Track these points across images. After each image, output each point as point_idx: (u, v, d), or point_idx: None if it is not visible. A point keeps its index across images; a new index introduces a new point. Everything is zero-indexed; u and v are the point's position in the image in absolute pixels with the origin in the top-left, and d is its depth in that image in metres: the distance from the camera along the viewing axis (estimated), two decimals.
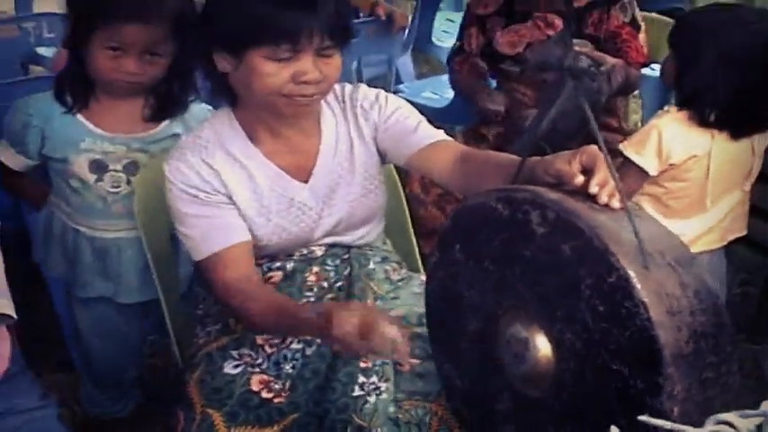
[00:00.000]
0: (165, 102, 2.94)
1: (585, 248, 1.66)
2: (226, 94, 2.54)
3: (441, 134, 2.55)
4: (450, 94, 4.64)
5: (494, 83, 4.20)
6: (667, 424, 0.96)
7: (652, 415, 1.57)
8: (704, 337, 1.59)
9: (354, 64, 4.88)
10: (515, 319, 1.87)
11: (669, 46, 3.21)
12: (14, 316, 2.28)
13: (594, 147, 1.82)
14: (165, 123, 2.97)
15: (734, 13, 3.18)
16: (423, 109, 4.73)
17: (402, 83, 5.29)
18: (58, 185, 3.05)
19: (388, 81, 5.00)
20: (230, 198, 2.51)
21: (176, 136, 2.80)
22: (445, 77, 4.55)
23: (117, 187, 2.97)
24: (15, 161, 3.03)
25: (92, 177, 2.95)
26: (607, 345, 1.64)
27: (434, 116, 4.73)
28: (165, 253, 2.88)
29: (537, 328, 1.81)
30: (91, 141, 2.92)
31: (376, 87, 4.42)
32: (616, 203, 1.74)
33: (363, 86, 2.66)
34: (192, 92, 2.97)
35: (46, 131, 2.94)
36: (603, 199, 1.75)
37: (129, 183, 2.96)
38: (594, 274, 1.64)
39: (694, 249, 3.24)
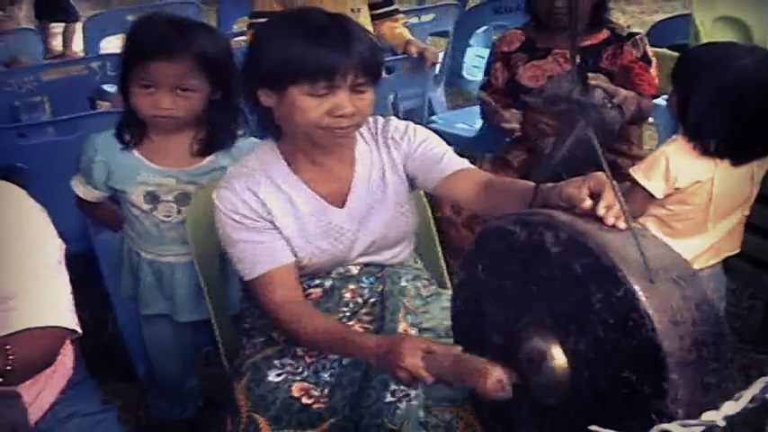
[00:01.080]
0: (212, 137, 2.96)
1: (595, 266, 1.68)
2: (270, 127, 2.58)
3: (465, 162, 2.57)
4: (480, 124, 4.67)
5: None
6: None
7: (658, 417, 1.59)
8: (705, 345, 1.60)
9: (391, 97, 4.89)
10: (533, 333, 1.88)
11: (671, 81, 3.22)
12: (79, 331, 2.29)
13: (602, 173, 1.84)
14: (212, 157, 2.99)
15: (727, 50, 3.19)
16: (455, 138, 4.82)
17: (435, 114, 5.31)
18: (125, 213, 3.11)
19: (422, 113, 5.00)
20: (274, 223, 2.54)
21: (223, 168, 2.80)
22: (476, 109, 4.56)
23: (169, 216, 3.01)
24: (88, 192, 3.10)
25: (147, 207, 3.00)
26: (617, 354, 1.66)
27: (465, 145, 4.81)
28: (215, 275, 2.91)
29: (553, 341, 1.83)
30: (145, 175, 2.97)
31: (411, 119, 4.46)
32: (622, 224, 1.76)
33: (394, 119, 2.68)
34: (241, 127, 2.98)
35: (110, 165, 2.99)
36: (610, 220, 1.77)
37: (179, 212, 3.00)
38: (604, 289, 1.66)
39: (695, 266, 3.25)
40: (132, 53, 2.82)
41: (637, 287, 1.60)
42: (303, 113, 2.38)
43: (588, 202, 1.83)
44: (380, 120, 2.67)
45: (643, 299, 1.59)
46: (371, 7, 4.84)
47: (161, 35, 2.79)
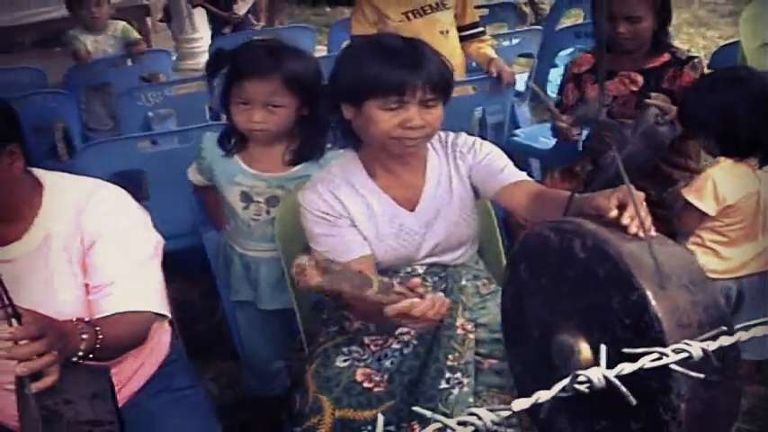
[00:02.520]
0: (302, 148, 3.03)
1: (614, 271, 1.68)
2: (350, 138, 2.64)
3: (522, 175, 2.58)
4: None
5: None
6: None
7: (665, 410, 1.59)
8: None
9: (478, 112, 4.89)
10: (564, 329, 1.88)
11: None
12: (168, 315, 2.38)
13: (631, 186, 1.84)
14: (301, 166, 3.05)
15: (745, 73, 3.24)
16: (535, 151, 4.81)
17: (519, 128, 5.30)
18: (224, 209, 3.23)
19: (505, 126, 5.00)
20: (352, 222, 2.59)
21: (310, 177, 2.85)
22: None
23: (258, 215, 3.11)
24: (197, 178, 3.27)
25: (240, 206, 3.10)
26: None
27: (544, 157, 4.79)
28: None
29: (580, 337, 1.83)
30: (241, 177, 3.07)
31: (496, 132, 4.47)
32: (641, 233, 1.76)
33: (463, 134, 2.71)
34: (329, 140, 3.03)
35: (213, 166, 3.13)
36: (633, 229, 1.78)
37: (268, 213, 3.08)
38: (621, 292, 1.66)
39: (745, 271, 3.22)
40: (231, 74, 2.92)
41: (648, 292, 1.60)
42: (377, 125, 2.43)
43: (615, 212, 1.83)
44: (451, 134, 2.70)
45: (653, 302, 1.58)
46: (461, 29, 4.85)
47: (254, 58, 2.89)
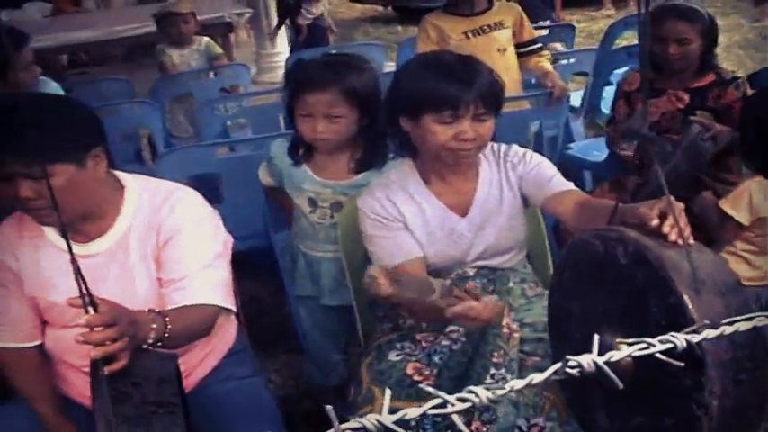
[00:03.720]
0: (365, 158, 3.04)
1: (653, 276, 1.66)
2: (408, 148, 2.67)
3: (569, 184, 2.58)
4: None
5: None
6: None
7: (697, 407, 1.57)
8: (741, 347, 1.57)
9: (534, 126, 4.87)
10: (605, 330, 1.87)
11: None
12: (233, 309, 2.41)
13: (671, 198, 1.82)
14: (364, 174, 3.05)
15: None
16: (587, 164, 4.78)
17: (573, 141, 5.27)
18: (293, 212, 3.25)
19: (560, 140, 4.97)
20: (406, 225, 2.60)
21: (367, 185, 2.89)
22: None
23: (323, 220, 3.13)
24: (268, 179, 3.28)
25: (308, 210, 3.13)
26: (666, 351, 1.64)
27: (596, 169, 4.75)
28: (357, 270, 2.96)
29: (620, 336, 1.81)
30: (309, 184, 3.10)
31: (551, 145, 4.44)
32: (680, 241, 1.74)
33: (515, 146, 2.71)
34: (391, 150, 3.02)
35: (283, 173, 3.17)
36: (672, 237, 1.76)
37: (332, 217, 3.10)
38: (659, 296, 1.64)
39: None
40: (294, 88, 2.96)
41: (685, 296, 1.58)
42: (433, 137, 2.45)
43: (656, 221, 1.82)
44: (504, 146, 2.70)
45: (689, 306, 1.57)
46: (520, 46, 4.86)
47: (313, 73, 2.92)
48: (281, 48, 8.97)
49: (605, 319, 1.88)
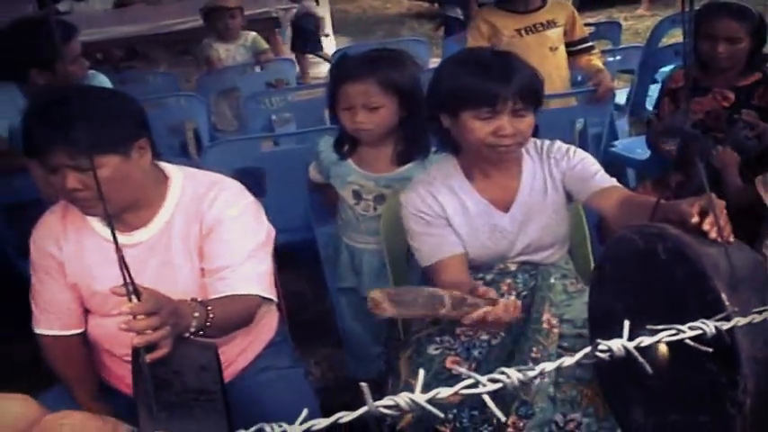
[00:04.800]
0: (406, 150, 3.08)
1: (691, 273, 1.66)
2: (449, 144, 2.67)
3: (613, 181, 2.57)
4: None
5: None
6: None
7: (732, 405, 1.57)
8: None
9: (579, 123, 4.86)
10: (644, 325, 1.87)
11: None
12: (275, 300, 2.43)
13: (712, 195, 1.81)
14: (407, 167, 3.09)
15: None
16: (631, 161, 4.76)
17: (617, 139, 5.25)
18: (339, 205, 3.30)
19: (604, 137, 4.95)
20: (448, 222, 2.60)
21: (410, 178, 2.93)
22: None
23: (366, 211, 3.18)
24: (316, 176, 3.34)
25: (352, 202, 3.18)
26: (696, 338, 1.64)
27: (639, 167, 4.74)
28: (399, 262, 2.98)
29: (656, 333, 1.81)
30: (353, 177, 3.15)
31: (595, 142, 4.43)
32: (720, 239, 1.74)
33: (558, 142, 2.70)
34: (434, 144, 3.06)
35: (329, 167, 3.22)
36: (712, 235, 1.76)
37: (375, 209, 3.15)
38: (698, 292, 1.64)
39: None
40: (334, 82, 3.02)
41: (723, 293, 1.58)
42: (472, 133, 2.46)
43: (696, 219, 1.81)
44: (547, 142, 2.69)
45: (727, 303, 1.56)
46: (571, 44, 4.84)
47: (351, 65, 2.99)
48: (327, 43, 9.01)
49: (644, 315, 1.88)
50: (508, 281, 2.66)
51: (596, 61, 4.84)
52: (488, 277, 2.66)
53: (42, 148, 2.16)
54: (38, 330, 2.50)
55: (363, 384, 0.66)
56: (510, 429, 2.30)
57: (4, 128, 3.72)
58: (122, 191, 2.23)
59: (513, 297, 2.57)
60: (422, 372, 0.76)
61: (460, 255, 2.61)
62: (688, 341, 1.10)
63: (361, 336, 3.54)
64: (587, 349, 0.93)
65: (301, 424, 0.60)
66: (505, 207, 2.65)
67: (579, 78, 5.28)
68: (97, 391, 2.54)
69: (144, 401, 1.81)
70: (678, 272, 1.72)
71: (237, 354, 2.56)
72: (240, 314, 2.30)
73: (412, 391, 2.41)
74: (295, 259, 3.11)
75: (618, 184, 2.57)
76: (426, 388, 2.41)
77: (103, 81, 4.12)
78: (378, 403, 0.62)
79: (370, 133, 3.02)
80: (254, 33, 6.48)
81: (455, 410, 2.34)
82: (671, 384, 1.80)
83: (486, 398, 0.67)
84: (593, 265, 2.91)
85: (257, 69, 6.27)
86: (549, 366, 0.83)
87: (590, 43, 4.93)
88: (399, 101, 2.97)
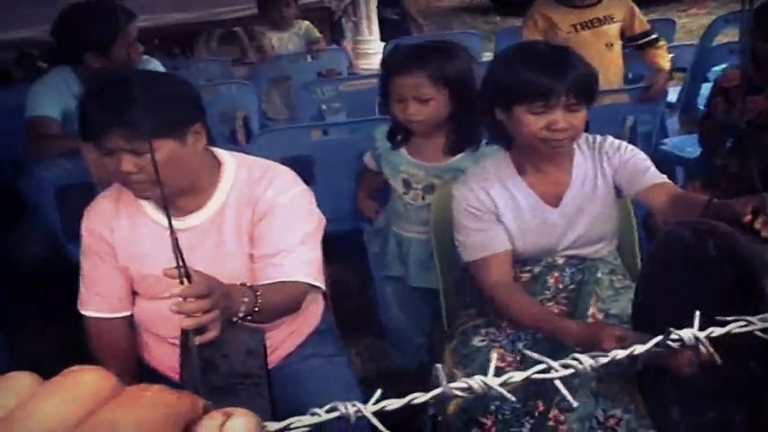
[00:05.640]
0: (457, 141, 3.09)
1: (741, 271, 1.65)
2: (502, 138, 2.66)
3: (663, 177, 2.55)
4: None
5: None
6: None
7: None
8: None
9: (630, 120, 4.83)
10: (689, 323, 1.86)
11: None
12: (323, 288, 2.43)
13: (765, 195, 1.81)
14: (457, 157, 3.10)
15: None
16: (680, 159, 4.72)
17: (667, 137, 5.21)
18: (390, 194, 3.36)
19: (654, 135, 4.92)
20: (498, 217, 2.60)
21: (464, 169, 2.95)
22: None
23: (415, 200, 3.20)
24: (371, 163, 3.41)
25: (402, 191, 3.21)
26: (747, 346, 1.62)
27: (689, 165, 4.69)
28: (447, 253, 2.98)
29: (702, 330, 1.81)
30: (405, 166, 3.18)
31: (645, 140, 4.40)
32: None
33: (610, 138, 2.68)
34: (485, 136, 3.06)
35: (383, 156, 3.26)
36: (764, 234, 1.75)
37: (423, 199, 3.17)
38: (745, 291, 1.63)
39: None
40: (387, 72, 3.05)
41: None
42: (525, 127, 2.45)
43: (749, 217, 1.81)
44: (599, 137, 2.68)
45: None
46: (634, 39, 4.84)
47: (404, 57, 3.01)
48: (377, 35, 9.01)
49: (690, 312, 1.87)
50: (555, 274, 2.65)
51: (660, 59, 4.81)
52: (536, 270, 2.66)
53: (99, 131, 2.17)
54: (84, 312, 2.50)
55: (438, 366, 0.67)
56: (551, 423, 2.30)
57: (57, 111, 3.75)
58: (176, 175, 2.23)
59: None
60: (495, 354, 0.77)
61: (506, 252, 2.61)
62: (758, 333, 1.09)
63: (405, 326, 3.56)
64: (659, 338, 0.93)
65: (375, 404, 0.60)
66: (555, 201, 2.64)
67: (630, 76, 5.26)
68: (133, 377, 2.52)
69: (190, 383, 1.83)
70: (727, 270, 1.70)
71: (282, 340, 2.56)
72: (288, 301, 2.31)
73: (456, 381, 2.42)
74: (340, 249, 3.12)
75: (669, 181, 2.55)
76: (471, 377, 2.42)
77: (157, 66, 4.15)
78: (452, 385, 0.62)
79: (421, 124, 3.04)
80: (307, 22, 6.51)
81: (498, 402, 2.35)
82: (709, 382, 1.79)
83: (558, 383, 0.67)
84: (640, 261, 2.90)
85: (309, 59, 6.29)
86: (620, 354, 0.83)
87: (654, 36, 4.89)
88: (450, 93, 2.98)
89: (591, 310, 2.48)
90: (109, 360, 2.48)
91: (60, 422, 0.43)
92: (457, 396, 0.63)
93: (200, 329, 1.81)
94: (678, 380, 1.90)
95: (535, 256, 2.66)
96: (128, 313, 2.52)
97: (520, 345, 2.50)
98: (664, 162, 4.40)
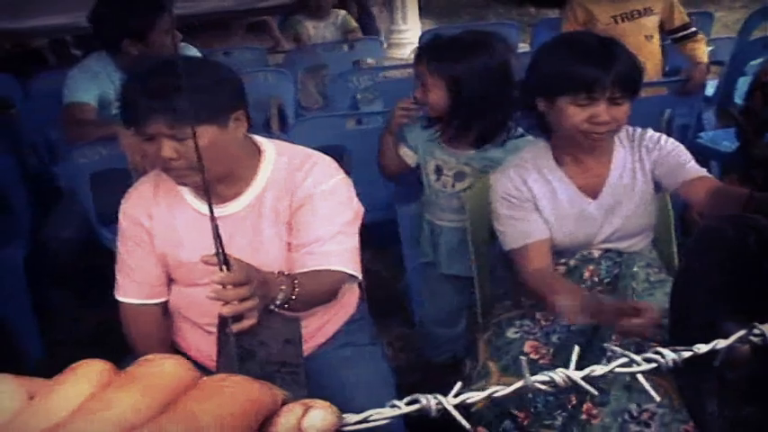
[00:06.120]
0: (487, 133, 3.10)
1: None
2: (543, 129, 2.66)
3: (703, 171, 2.54)
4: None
5: None
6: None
7: None
8: None
9: (668, 113, 4.80)
10: (727, 317, 1.85)
11: None
12: (359, 277, 2.41)
13: None
14: (486, 147, 3.12)
15: None
16: (717, 153, 4.68)
17: (704, 131, 5.17)
18: (423, 182, 3.37)
19: (691, 129, 4.88)
20: (536, 206, 2.60)
21: (491, 158, 3.05)
22: None
23: (445, 188, 3.22)
24: (408, 156, 3.37)
25: (433, 177, 3.24)
26: None
27: (725, 160, 4.65)
28: (483, 244, 2.98)
29: (740, 326, 1.79)
30: (438, 153, 3.20)
31: (682, 133, 4.38)
32: None
33: (650, 131, 2.67)
34: (513, 127, 3.10)
35: (418, 143, 3.29)
36: None
37: (453, 186, 3.20)
38: None
39: None
40: (423, 62, 3.08)
41: None
42: (567, 119, 2.45)
43: None
44: (639, 130, 2.67)
45: None
46: (673, 32, 4.83)
47: (441, 48, 3.08)
48: (412, 25, 8.99)
49: (729, 308, 1.86)
50: (591, 267, 2.64)
51: (698, 52, 4.78)
52: (572, 263, 2.66)
53: (140, 117, 2.17)
54: (120, 298, 2.50)
55: (523, 358, 0.67)
56: (583, 416, 2.30)
57: (94, 97, 3.77)
58: (217, 162, 2.22)
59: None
60: (576, 349, 0.76)
61: (545, 240, 2.60)
62: None
63: (436, 314, 3.58)
64: (742, 332, 0.92)
65: (455, 396, 0.59)
66: (594, 194, 2.63)
67: (667, 68, 5.22)
68: None
69: (227, 371, 1.83)
70: (766, 264, 1.69)
71: (317, 328, 2.56)
72: (325, 289, 2.31)
73: (489, 373, 2.42)
74: (373, 238, 3.12)
75: (709, 175, 2.54)
76: (504, 370, 2.42)
77: (195, 53, 4.16)
78: (534, 378, 0.62)
79: (430, 110, 3.14)
80: (344, 12, 6.50)
81: (530, 395, 2.34)
82: (749, 378, 1.78)
83: (641, 377, 0.67)
84: (676, 255, 2.88)
85: (345, 48, 6.28)
86: (703, 348, 0.82)
87: (693, 29, 4.86)
88: (447, 86, 3.03)
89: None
90: (143, 346, 2.49)
91: (138, 413, 0.43)
92: (539, 390, 0.62)
93: (238, 317, 1.82)
94: (717, 373, 1.89)
95: (571, 249, 2.66)
96: (163, 300, 2.52)
97: (554, 337, 2.49)
98: (699, 156, 4.38)
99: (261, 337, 1.88)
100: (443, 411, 0.60)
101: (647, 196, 2.64)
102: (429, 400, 0.59)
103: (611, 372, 0.74)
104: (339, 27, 6.33)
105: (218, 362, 1.95)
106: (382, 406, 0.59)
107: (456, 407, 0.63)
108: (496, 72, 2.98)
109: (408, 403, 0.59)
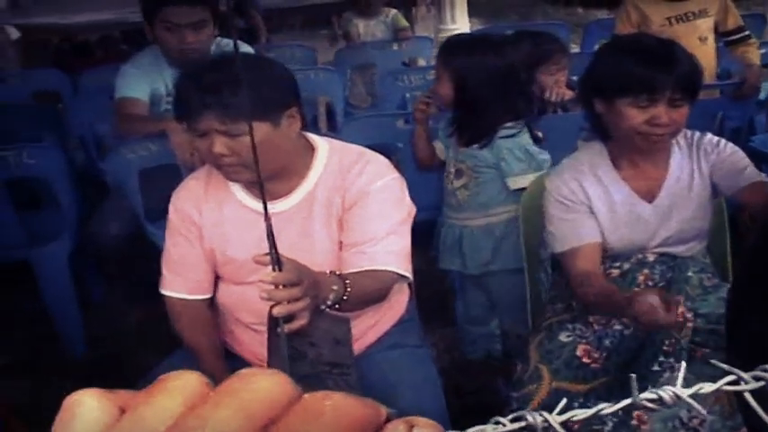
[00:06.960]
0: (470, 133, 3.24)
1: None
2: (600, 130, 2.63)
3: (761, 176, 2.51)
4: None
5: None
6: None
7: None
8: None
9: (720, 116, 4.74)
10: None
11: None
12: (410, 277, 2.39)
13: None
14: (473, 147, 3.21)
15: None
16: None
17: (755, 134, 5.10)
18: None
19: (743, 132, 4.81)
20: (590, 209, 2.57)
21: (476, 158, 3.20)
22: None
23: (449, 185, 3.35)
24: (439, 147, 3.53)
25: (445, 174, 3.40)
26: None
27: None
28: (535, 248, 2.96)
29: None
30: (450, 149, 3.40)
31: (735, 137, 4.33)
32: None
33: (709, 134, 2.64)
34: (499, 129, 3.17)
35: (442, 141, 3.43)
36: None
37: (452, 183, 3.32)
38: None
39: None
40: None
41: None
42: (626, 121, 2.43)
43: None
44: (698, 134, 2.64)
45: None
46: (726, 34, 4.78)
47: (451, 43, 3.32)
48: (461, 24, 8.97)
49: None
50: (645, 271, 2.61)
51: (751, 55, 4.73)
52: (625, 266, 2.62)
53: (194, 112, 2.16)
54: (165, 292, 2.49)
55: (632, 375, 0.64)
56: (634, 422, 2.27)
57: (145, 92, 3.77)
58: (269, 159, 2.19)
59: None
60: (683, 364, 0.73)
61: (595, 243, 2.57)
62: None
63: (465, 313, 3.65)
64: None
65: (560, 413, 0.57)
66: (650, 197, 2.60)
67: (719, 71, 5.16)
68: (224, 358, 2.51)
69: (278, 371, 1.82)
70: None
71: (367, 329, 2.53)
72: (376, 290, 2.28)
73: (541, 377, 2.40)
74: (420, 238, 3.10)
75: (767, 179, 2.50)
76: (556, 374, 2.40)
77: (248, 50, 4.16)
78: (642, 396, 0.60)
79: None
80: (394, 10, 6.50)
81: (581, 399, 2.32)
82: None
83: (748, 396, 0.64)
84: (729, 260, 2.84)
85: (395, 47, 6.26)
86: None
87: (746, 32, 4.81)
88: (453, 83, 3.19)
89: (680, 309, 2.43)
90: (190, 341, 2.49)
91: None
92: (646, 408, 0.60)
93: (289, 317, 1.80)
94: None
95: (625, 252, 2.62)
96: (208, 296, 2.51)
97: (606, 341, 2.46)
98: (751, 159, 4.32)
99: (312, 338, 1.87)
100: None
101: (703, 201, 2.61)
102: (536, 418, 0.57)
103: (718, 390, 0.71)
104: (389, 25, 6.31)
105: (269, 362, 1.94)
106: (429, 409, 0.57)
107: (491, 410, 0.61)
108: (498, 73, 3.07)
109: (513, 420, 0.57)
